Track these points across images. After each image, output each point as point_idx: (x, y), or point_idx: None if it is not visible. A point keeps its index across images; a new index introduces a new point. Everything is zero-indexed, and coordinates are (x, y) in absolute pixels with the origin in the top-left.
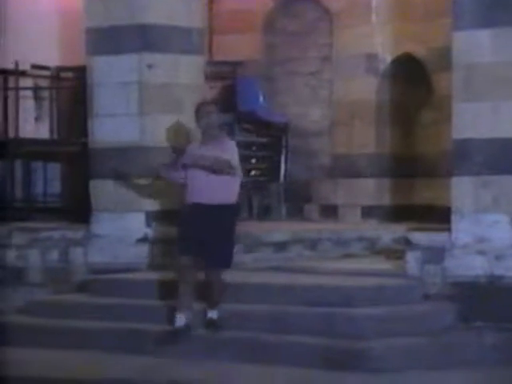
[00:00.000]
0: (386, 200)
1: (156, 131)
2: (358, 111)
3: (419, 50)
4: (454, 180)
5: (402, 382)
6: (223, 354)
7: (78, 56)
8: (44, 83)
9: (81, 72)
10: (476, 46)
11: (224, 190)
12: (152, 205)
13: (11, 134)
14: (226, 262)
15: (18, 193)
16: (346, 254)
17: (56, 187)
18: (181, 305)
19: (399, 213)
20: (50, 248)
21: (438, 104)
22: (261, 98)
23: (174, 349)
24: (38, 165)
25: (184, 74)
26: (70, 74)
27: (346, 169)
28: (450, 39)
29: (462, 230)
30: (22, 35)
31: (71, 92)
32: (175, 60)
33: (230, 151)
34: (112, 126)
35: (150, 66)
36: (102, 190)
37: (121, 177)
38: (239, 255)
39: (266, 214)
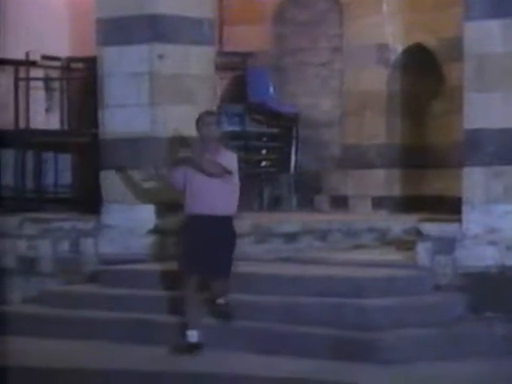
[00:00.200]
0: (396, 191)
1: (166, 122)
2: (368, 102)
3: (430, 40)
4: (465, 170)
5: (413, 372)
6: (233, 344)
7: (89, 47)
8: (55, 74)
9: (91, 63)
10: (487, 36)
11: (224, 200)
12: (162, 196)
13: (22, 125)
14: (226, 271)
15: (29, 183)
16: (356, 244)
17: (67, 178)
18: (192, 321)
19: (410, 203)
20: (61, 238)
21: (449, 94)
22: (271, 89)
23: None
24: (48, 156)
25: (194, 64)
26: (80, 65)
27: (356, 159)
28: (461, 29)
29: (473, 220)
30: (32, 26)
31: (82, 83)
32: (186, 51)
33: (228, 162)
34: (122, 116)
35: (160, 57)
36: (113, 180)
37: (126, 177)
38: (250, 246)
39: (276, 204)
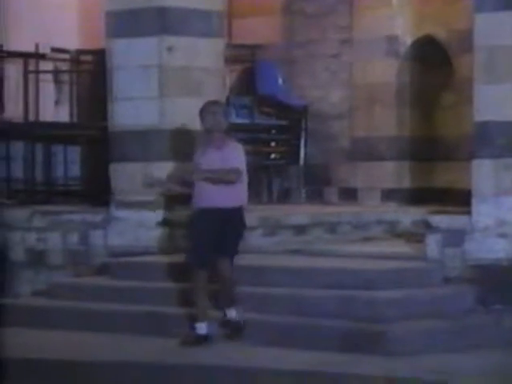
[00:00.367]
0: (405, 183)
1: (175, 114)
2: (377, 94)
3: (440, 32)
4: (475, 163)
5: (422, 364)
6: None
7: (98, 39)
8: (64, 67)
9: (100, 55)
10: (497, 27)
11: (232, 192)
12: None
13: (31, 118)
14: (232, 251)
15: (39, 176)
16: (365, 237)
17: (76, 170)
18: (202, 314)
19: (419, 196)
20: (70, 231)
21: (458, 86)
22: (280, 81)
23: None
24: (58, 148)
25: (203, 57)
26: (89, 58)
27: (365, 152)
28: (471, 21)
29: (483, 212)
30: (42, 18)
31: (91, 75)
32: (195, 43)
33: (235, 155)
34: (131, 109)
35: (169, 49)
36: (122, 173)
37: (154, 184)
38: (259, 238)
39: (285, 197)
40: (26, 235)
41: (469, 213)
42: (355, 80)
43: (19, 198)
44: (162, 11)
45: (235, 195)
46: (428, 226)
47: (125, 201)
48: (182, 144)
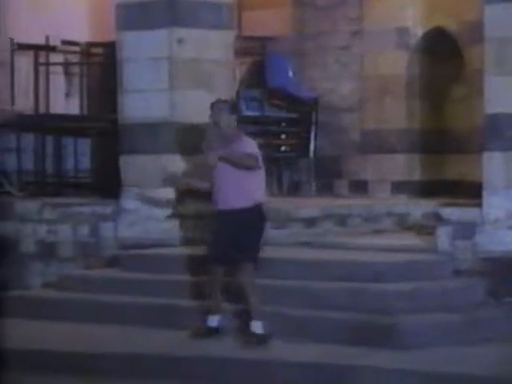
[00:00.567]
0: (415, 175)
1: (185, 107)
2: (388, 86)
3: (450, 24)
4: (485, 155)
5: (432, 357)
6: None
7: (108, 32)
8: (74, 59)
9: (111, 48)
10: (508, 19)
11: (244, 192)
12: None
13: (42, 110)
14: (253, 257)
15: (49, 168)
16: (375, 229)
17: (86, 163)
18: (215, 307)
19: (429, 188)
20: (81, 223)
21: (469, 78)
22: (290, 74)
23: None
24: (68, 140)
25: (213, 49)
26: (100, 50)
27: (375, 144)
28: (481, 12)
29: (494, 205)
30: (52, 11)
31: (101, 68)
32: (205, 35)
33: (249, 147)
34: (141, 101)
35: (179, 41)
36: (132, 165)
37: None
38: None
39: (295, 189)
40: (36, 227)
41: (479, 205)
42: (366, 72)
43: (30, 190)
44: (171, 3)
45: (246, 195)
46: (438, 219)
47: (135, 193)
48: (191, 136)
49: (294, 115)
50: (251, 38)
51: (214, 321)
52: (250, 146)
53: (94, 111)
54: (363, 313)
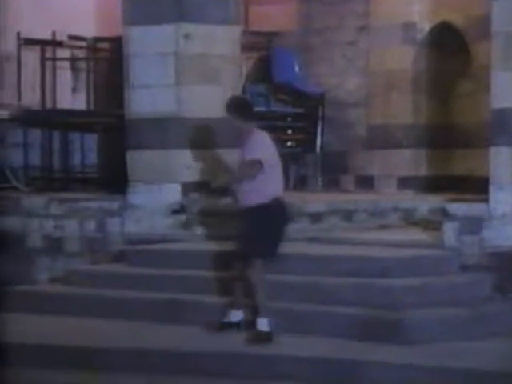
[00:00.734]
0: (422, 171)
1: (192, 102)
2: (394, 81)
3: (457, 19)
4: (492, 150)
5: (439, 352)
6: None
7: (115, 27)
8: (81, 54)
9: (117, 43)
10: None
11: (250, 191)
12: (188, 176)
13: (49, 105)
14: (261, 252)
15: (56, 163)
16: (382, 224)
17: (93, 158)
18: (237, 302)
19: (436, 183)
20: (87, 218)
21: (476, 73)
22: (297, 69)
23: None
24: (75, 136)
25: (220, 44)
26: (106, 45)
27: (382, 139)
28: (488, 7)
29: (500, 200)
30: (59, 6)
31: (108, 63)
32: (212, 30)
33: (256, 146)
34: (148, 96)
35: (186, 36)
36: (139, 160)
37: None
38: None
39: (302, 184)
40: (43, 222)
41: (486, 200)
42: (372, 67)
43: (36, 186)
44: None
45: (253, 193)
46: (445, 214)
47: (141, 188)
48: (198, 132)
49: (300, 110)
50: (258, 33)
51: (236, 316)
52: (258, 144)
53: (100, 106)
54: (370, 308)
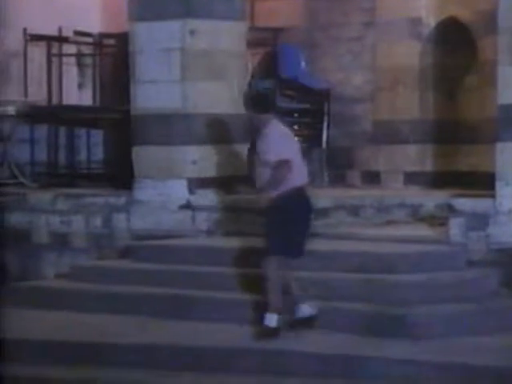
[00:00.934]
0: (428, 166)
1: (198, 98)
2: (401, 76)
3: (464, 14)
4: (499, 146)
5: (445, 348)
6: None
7: (121, 23)
8: (87, 50)
9: (123, 39)
10: None
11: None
12: (194, 172)
13: (55, 101)
14: (274, 249)
15: (62, 159)
16: (388, 220)
17: (99, 154)
18: (296, 298)
19: (442, 179)
20: (94, 214)
21: (482, 68)
22: (303, 65)
23: (217, 315)
24: (81, 131)
25: (226, 40)
26: (112, 41)
27: (388, 135)
28: (495, 2)
29: (507, 196)
30: (65, 2)
31: (114, 59)
32: (217, 26)
33: (270, 144)
34: (154, 92)
35: (192, 32)
36: (145, 156)
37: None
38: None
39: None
40: (49, 218)
41: (493, 196)
42: (378, 63)
43: (43, 181)
44: None
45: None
46: (451, 210)
47: (148, 184)
48: (204, 128)
49: (306, 106)
50: (263, 29)
51: (304, 311)
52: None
53: (106, 102)
54: (376, 303)
